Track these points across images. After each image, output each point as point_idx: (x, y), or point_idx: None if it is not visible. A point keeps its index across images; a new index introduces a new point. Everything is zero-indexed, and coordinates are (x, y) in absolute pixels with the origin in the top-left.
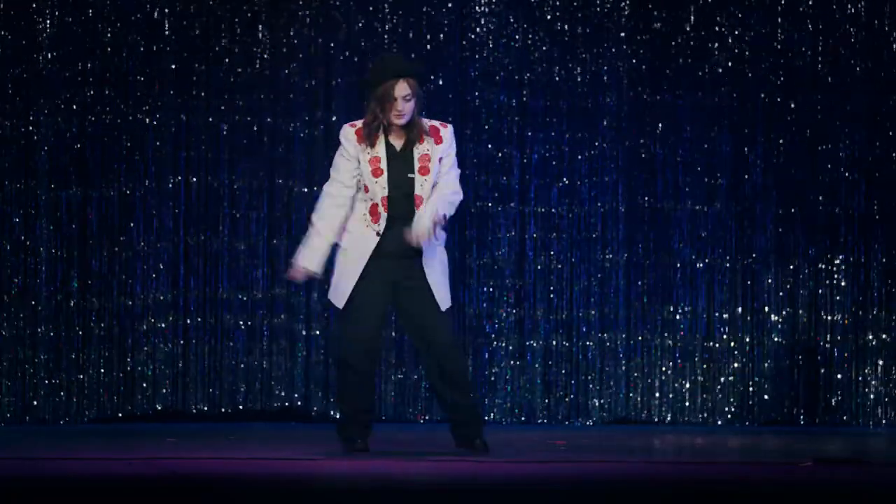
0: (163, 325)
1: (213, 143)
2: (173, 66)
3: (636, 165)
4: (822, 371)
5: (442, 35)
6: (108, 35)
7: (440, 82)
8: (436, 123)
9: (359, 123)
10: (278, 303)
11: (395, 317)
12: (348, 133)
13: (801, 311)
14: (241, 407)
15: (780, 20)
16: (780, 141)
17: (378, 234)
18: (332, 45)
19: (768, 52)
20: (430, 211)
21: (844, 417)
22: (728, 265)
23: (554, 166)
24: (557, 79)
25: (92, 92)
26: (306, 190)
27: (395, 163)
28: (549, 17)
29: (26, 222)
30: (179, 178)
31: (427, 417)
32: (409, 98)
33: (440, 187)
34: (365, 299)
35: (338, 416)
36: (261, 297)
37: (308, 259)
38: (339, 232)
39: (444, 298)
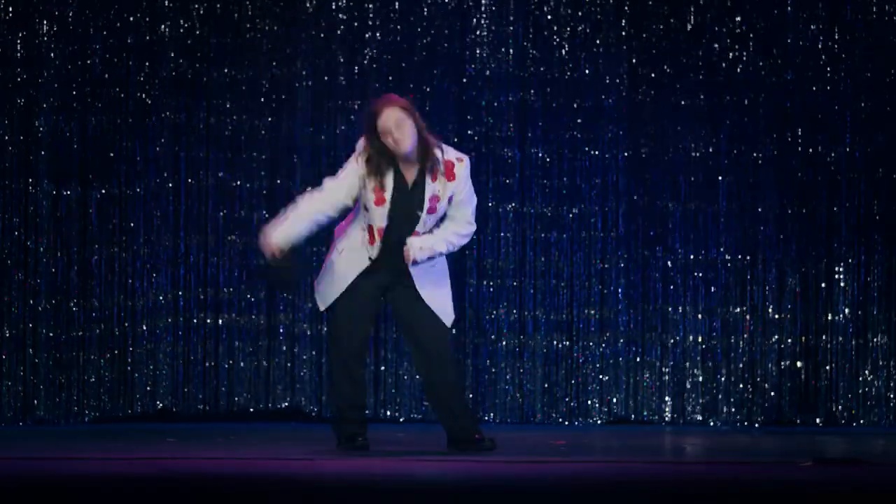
0: (163, 325)
1: (213, 143)
2: (173, 66)
3: (636, 165)
4: (823, 371)
5: (442, 35)
6: (109, 34)
7: (442, 82)
8: (452, 157)
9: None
10: (278, 303)
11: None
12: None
13: (801, 311)
14: (240, 407)
15: (778, 22)
16: (781, 140)
17: (370, 259)
18: (333, 45)
19: (768, 52)
20: (422, 243)
21: (844, 417)
22: (728, 265)
23: (554, 166)
24: (557, 78)
25: (92, 91)
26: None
27: (401, 197)
28: (549, 16)
29: (26, 222)
30: (179, 178)
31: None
32: (401, 122)
33: (448, 224)
34: (353, 307)
35: (334, 414)
36: (261, 297)
37: (281, 236)
38: (314, 227)
39: (440, 308)
